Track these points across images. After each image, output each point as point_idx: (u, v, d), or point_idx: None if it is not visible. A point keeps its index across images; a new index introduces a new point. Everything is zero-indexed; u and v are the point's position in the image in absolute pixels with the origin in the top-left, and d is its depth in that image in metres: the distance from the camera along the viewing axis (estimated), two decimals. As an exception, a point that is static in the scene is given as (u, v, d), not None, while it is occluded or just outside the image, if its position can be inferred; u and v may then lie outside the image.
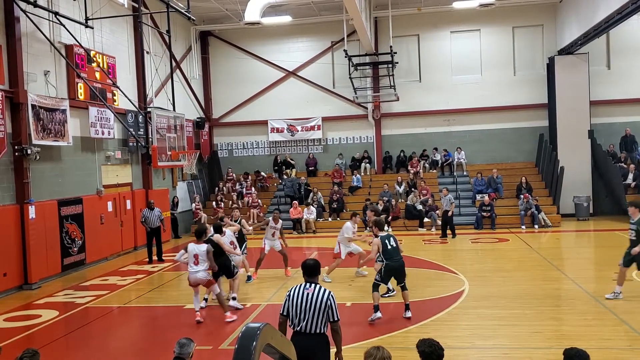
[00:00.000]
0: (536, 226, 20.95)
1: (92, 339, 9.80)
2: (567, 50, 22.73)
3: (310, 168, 25.94)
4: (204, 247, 10.07)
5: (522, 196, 21.71)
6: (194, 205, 23.72)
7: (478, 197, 22.54)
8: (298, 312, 5.66)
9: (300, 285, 5.85)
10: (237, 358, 3.96)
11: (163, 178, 22.21)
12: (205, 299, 11.35)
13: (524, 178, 22.76)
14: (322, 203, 23.55)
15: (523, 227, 21.01)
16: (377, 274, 10.17)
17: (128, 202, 19.15)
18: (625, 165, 22.52)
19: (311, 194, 23.74)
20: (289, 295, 5.79)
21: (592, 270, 13.58)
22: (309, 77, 26.14)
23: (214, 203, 24.06)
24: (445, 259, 15.44)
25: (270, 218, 13.87)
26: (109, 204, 18.03)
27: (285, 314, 5.77)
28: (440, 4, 23.66)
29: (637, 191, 21.62)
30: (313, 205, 22.91)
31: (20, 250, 14.10)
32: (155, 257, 17.27)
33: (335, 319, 5.72)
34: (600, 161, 23.20)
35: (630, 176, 22.09)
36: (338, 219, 22.91)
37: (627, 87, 23.59)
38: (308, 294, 5.71)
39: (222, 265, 10.73)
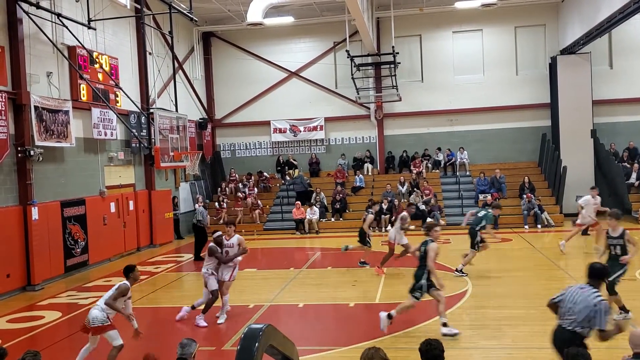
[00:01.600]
0: (539, 226, 20.92)
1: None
2: (569, 50, 22.70)
3: (313, 168, 25.94)
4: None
5: (525, 196, 21.68)
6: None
7: (481, 197, 22.50)
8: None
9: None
10: (239, 359, 3.97)
11: (166, 179, 22.24)
12: None
13: (526, 178, 22.73)
14: (325, 203, 23.55)
15: (526, 226, 20.98)
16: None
17: (131, 203, 19.18)
18: (628, 165, 22.46)
19: (314, 194, 23.74)
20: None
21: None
22: (312, 77, 26.15)
23: (216, 204, 24.08)
24: (449, 258, 15.41)
25: (404, 213, 14.20)
26: (112, 205, 18.06)
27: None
28: (442, 4, 23.65)
29: (639, 191, 21.58)
30: (316, 206, 22.91)
31: (24, 252, 14.13)
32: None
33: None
34: (603, 160, 23.15)
35: (634, 175, 22.03)
36: (341, 219, 22.92)
37: (629, 86, 23.54)
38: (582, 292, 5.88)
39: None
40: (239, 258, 10.66)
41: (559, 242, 15.58)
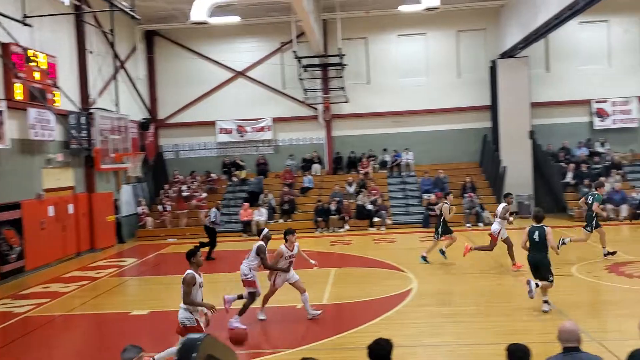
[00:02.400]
0: (480, 224, 21.51)
1: (33, 350, 9.42)
2: (508, 54, 23.43)
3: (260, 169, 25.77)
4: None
5: (466, 195, 22.25)
6: (139, 209, 23.20)
7: (425, 196, 22.95)
8: None
9: None
10: (176, 371, 3.89)
11: (107, 181, 21.60)
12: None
13: (468, 178, 23.32)
14: (273, 205, 23.45)
15: (468, 225, 21.52)
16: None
17: (70, 206, 18.52)
18: (564, 165, 23.38)
19: (261, 196, 23.61)
20: None
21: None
22: (259, 77, 26.00)
23: (159, 207, 23.56)
24: (395, 257, 15.64)
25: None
26: (50, 208, 17.39)
27: None
28: (387, 7, 23.96)
29: (576, 189, 22.48)
30: (264, 207, 22.79)
31: (-45, 258, 13.43)
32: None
33: None
34: (540, 161, 24.01)
35: (569, 175, 22.95)
36: (289, 220, 22.87)
37: (564, 89, 24.50)
38: None
39: None
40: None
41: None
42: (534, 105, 24.02)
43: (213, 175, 25.38)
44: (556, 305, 10.03)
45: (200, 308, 7.45)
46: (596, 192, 14.08)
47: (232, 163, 25.79)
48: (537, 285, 9.66)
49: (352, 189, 23.76)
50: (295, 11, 19.14)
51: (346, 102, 24.54)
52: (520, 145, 23.65)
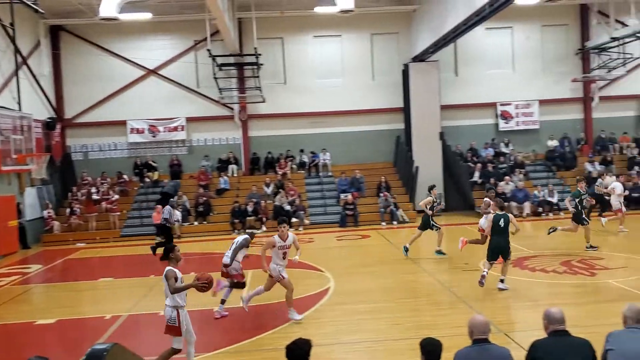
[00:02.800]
0: (395, 222, 22.10)
1: None
2: (420, 58, 24.22)
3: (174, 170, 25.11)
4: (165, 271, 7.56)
5: (381, 194, 22.80)
6: (46, 212, 21.99)
7: (342, 196, 23.29)
8: None
9: None
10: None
11: (8, 183, 20.29)
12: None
13: (383, 177, 23.90)
14: (188, 207, 22.94)
15: (383, 223, 22.05)
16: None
17: (-33, 210, 17.25)
18: (472, 165, 24.46)
19: (176, 197, 23.01)
20: None
21: (446, 263, 14.55)
22: (172, 76, 25.36)
23: (67, 210, 22.44)
24: (312, 257, 15.72)
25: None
26: (-56, 213, 16.11)
27: None
28: (302, 8, 24.10)
29: (483, 187, 23.55)
30: (178, 209, 22.21)
31: None
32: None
33: None
34: (450, 161, 24.99)
35: (477, 174, 24.04)
36: (205, 222, 22.48)
37: (472, 92, 25.67)
38: None
39: None
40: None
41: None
42: (444, 107, 24.96)
43: (125, 176, 24.47)
44: (465, 299, 10.45)
45: (185, 295, 7.39)
46: (578, 188, 15.06)
47: (144, 164, 24.99)
48: (486, 273, 10.88)
49: (269, 190, 23.69)
50: (209, 9, 18.83)
51: (263, 102, 24.44)
52: (431, 146, 24.50)
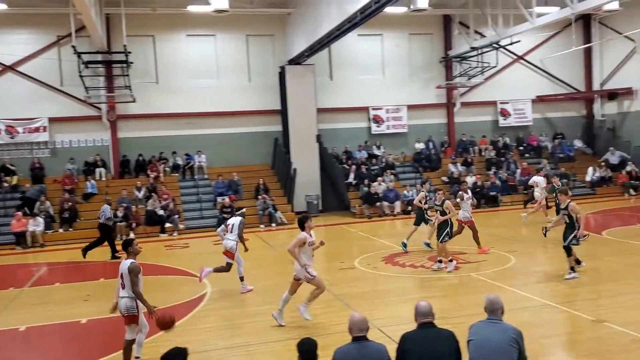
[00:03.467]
0: (273, 224, 22.16)
1: None
2: (295, 61, 24.51)
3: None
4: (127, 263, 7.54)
5: (260, 197, 22.76)
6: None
7: (219, 199, 22.94)
8: None
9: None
10: None
11: None
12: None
13: (261, 180, 23.88)
14: (52, 213, 21.39)
15: (262, 226, 22.03)
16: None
17: None
18: (347, 167, 25.19)
19: (37, 203, 21.37)
20: None
21: (323, 262, 14.83)
22: (32, 73, 23.51)
23: None
24: (188, 263, 15.33)
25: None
26: None
27: None
28: (175, 6, 23.43)
29: (357, 189, 24.37)
30: (40, 216, 20.66)
31: None
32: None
33: None
34: (326, 163, 25.55)
35: (352, 176, 24.79)
36: (70, 229, 21.08)
37: (346, 96, 26.44)
38: None
39: None
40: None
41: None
42: (320, 110, 25.47)
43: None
44: (341, 297, 10.70)
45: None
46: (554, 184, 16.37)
47: (1, 168, 22.93)
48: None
49: (141, 194, 22.75)
50: (73, 3, 17.69)
51: (133, 101, 23.38)
52: (308, 148, 24.89)
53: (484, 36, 25.76)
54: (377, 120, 27.02)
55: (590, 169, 25.80)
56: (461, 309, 9.64)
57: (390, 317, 9.46)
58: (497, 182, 24.80)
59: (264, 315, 10.03)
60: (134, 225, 21.15)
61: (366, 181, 24.02)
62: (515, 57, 28.15)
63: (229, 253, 11.73)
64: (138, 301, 7.37)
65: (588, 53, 29.12)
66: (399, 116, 27.20)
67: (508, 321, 5.35)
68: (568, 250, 11.24)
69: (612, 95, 27.59)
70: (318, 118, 25.30)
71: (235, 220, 11.99)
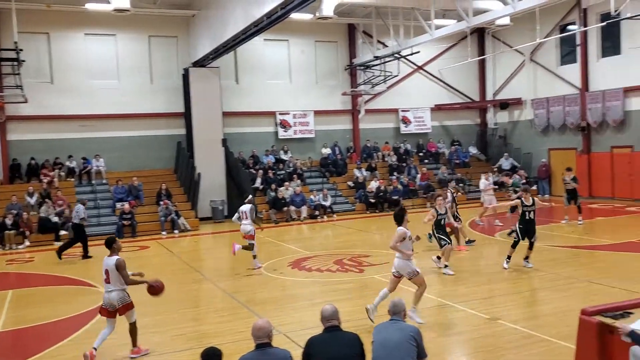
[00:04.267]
0: (176, 231, 21.56)
1: None
2: (200, 63, 24.06)
3: None
4: (113, 259, 8.20)
5: (162, 202, 22.07)
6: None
7: (118, 205, 22.01)
8: None
9: None
10: None
11: None
12: None
13: (163, 185, 23.18)
14: None
15: (164, 232, 21.37)
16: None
17: None
18: (254, 171, 25.03)
19: None
20: None
21: (227, 269, 14.63)
22: None
23: None
24: (84, 272, 14.59)
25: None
26: None
27: None
28: (72, 3, 22.27)
29: (264, 193, 24.27)
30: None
31: None
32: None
33: None
34: (232, 167, 25.27)
35: (258, 180, 24.66)
36: (-49, 238, 19.39)
37: (253, 101, 26.31)
38: None
39: None
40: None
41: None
42: (226, 114, 25.16)
43: None
44: (246, 304, 10.58)
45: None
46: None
47: None
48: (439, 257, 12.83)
49: (33, 200, 21.36)
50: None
51: (25, 102, 21.85)
52: (213, 152, 24.49)
53: (387, 46, 26.61)
54: (284, 125, 27.10)
55: (482, 175, 27.20)
56: (364, 311, 9.82)
57: (297, 322, 9.47)
58: (399, 186, 25.64)
59: (167, 324, 9.74)
60: (26, 232, 19.83)
61: (273, 186, 24.00)
62: (415, 67, 29.28)
63: (249, 236, 13.78)
64: (127, 291, 8.26)
65: (482, 65, 30.83)
66: (306, 121, 27.44)
67: (409, 321, 5.54)
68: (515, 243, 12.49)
69: (503, 105, 29.40)
70: (224, 122, 24.98)
71: (246, 207, 14.01)
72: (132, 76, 24.60)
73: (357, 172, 26.53)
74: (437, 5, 21.42)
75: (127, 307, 8.27)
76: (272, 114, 26.88)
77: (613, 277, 11.31)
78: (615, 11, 20.91)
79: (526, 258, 12.49)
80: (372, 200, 24.84)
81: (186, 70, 24.63)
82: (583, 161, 25.43)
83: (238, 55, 25.73)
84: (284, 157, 26.73)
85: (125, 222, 21.02)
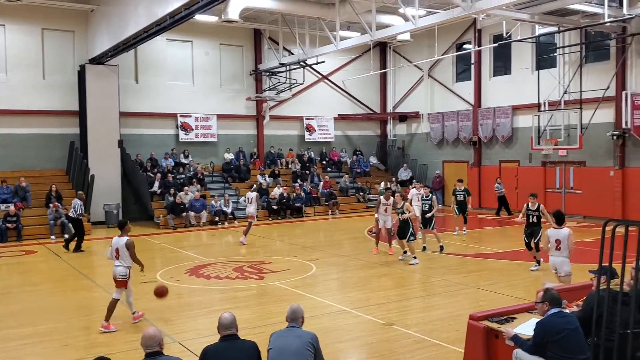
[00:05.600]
0: (66, 235, 20.28)
1: None
2: (98, 60, 22.96)
3: None
4: (124, 240, 9.65)
5: (51, 205, 20.79)
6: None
7: (2, 207, 20.47)
8: None
9: None
10: None
11: None
12: None
13: (54, 186, 21.81)
14: None
15: (53, 237, 20.12)
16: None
17: None
18: (152, 175, 24.22)
19: None
20: None
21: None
22: None
23: None
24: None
25: (382, 197, 15.83)
26: None
27: None
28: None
29: (162, 197, 23.54)
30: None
31: None
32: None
33: None
34: (129, 170, 24.31)
35: (156, 184, 23.89)
36: None
37: (153, 101, 25.47)
38: None
39: None
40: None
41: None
42: (124, 114, 24.18)
43: None
44: (142, 312, 10.19)
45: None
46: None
47: None
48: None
49: None
50: None
51: None
52: (109, 153, 23.41)
53: (292, 53, 26.78)
54: (186, 127, 26.46)
55: (382, 184, 28.08)
56: (265, 318, 9.78)
57: (192, 331, 9.25)
58: (302, 193, 25.82)
59: (53, 334, 9.18)
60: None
61: (172, 190, 23.32)
62: (320, 76, 29.69)
63: (251, 217, 17.97)
64: (130, 270, 9.57)
65: (384, 78, 31.83)
66: (209, 125, 26.96)
67: (308, 327, 5.57)
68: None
69: (402, 117, 30.53)
70: (121, 122, 23.99)
71: (252, 195, 18.26)
72: (22, 70, 23.01)
73: (260, 178, 26.42)
74: (342, 18, 21.84)
75: (123, 283, 9.54)
76: (173, 116, 26.15)
77: (499, 284, 12.02)
78: (507, 33, 22.46)
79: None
80: (275, 207, 24.83)
81: (82, 67, 23.40)
82: (474, 174, 26.89)
83: (139, 53, 24.85)
84: (184, 160, 26.07)
85: (9, 225, 19.60)
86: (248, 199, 18.29)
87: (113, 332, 9.15)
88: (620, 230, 5.32)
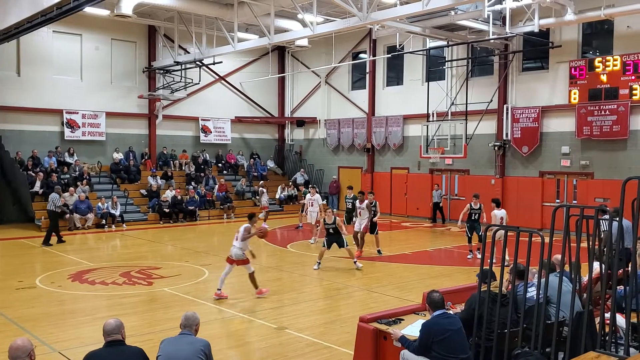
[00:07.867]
0: None
1: None
2: (-26, 48, 21.20)
3: None
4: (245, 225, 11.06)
5: None
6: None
7: None
8: None
9: None
10: None
11: None
12: None
13: None
14: None
15: None
16: None
17: None
18: (33, 174, 22.65)
19: None
20: None
21: (-4, 282, 12.97)
22: None
23: None
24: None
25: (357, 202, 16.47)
26: None
27: None
28: None
29: (44, 199, 22.06)
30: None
31: None
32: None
33: None
34: (7, 168, 22.66)
35: (38, 184, 22.37)
36: None
37: (37, 96, 23.85)
38: None
39: None
40: None
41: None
42: (3, 109, 22.55)
43: None
44: (18, 320, 9.47)
45: None
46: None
47: None
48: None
49: None
50: None
51: None
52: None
53: (188, 52, 26.16)
54: (72, 125, 25.00)
55: (279, 188, 28.18)
56: (154, 325, 9.46)
57: (75, 339, 8.75)
58: (196, 196, 25.24)
59: None
60: None
61: (57, 187, 21.86)
62: (217, 77, 29.22)
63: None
64: (245, 250, 11.12)
65: (282, 82, 31.95)
66: (97, 123, 25.64)
67: (201, 334, 5.47)
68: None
69: (300, 122, 30.78)
70: (1, 117, 22.27)
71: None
72: None
73: (151, 180, 25.50)
74: (240, 19, 21.67)
75: (243, 262, 11.10)
76: (58, 112, 24.62)
77: (388, 286, 12.43)
78: (400, 45, 23.37)
79: (478, 249, 15.49)
80: (167, 210, 24.06)
81: (-46, 55, 21.51)
82: (367, 179, 27.67)
83: (21, 44, 23.20)
84: (69, 159, 24.60)
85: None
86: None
87: None
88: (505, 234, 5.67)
